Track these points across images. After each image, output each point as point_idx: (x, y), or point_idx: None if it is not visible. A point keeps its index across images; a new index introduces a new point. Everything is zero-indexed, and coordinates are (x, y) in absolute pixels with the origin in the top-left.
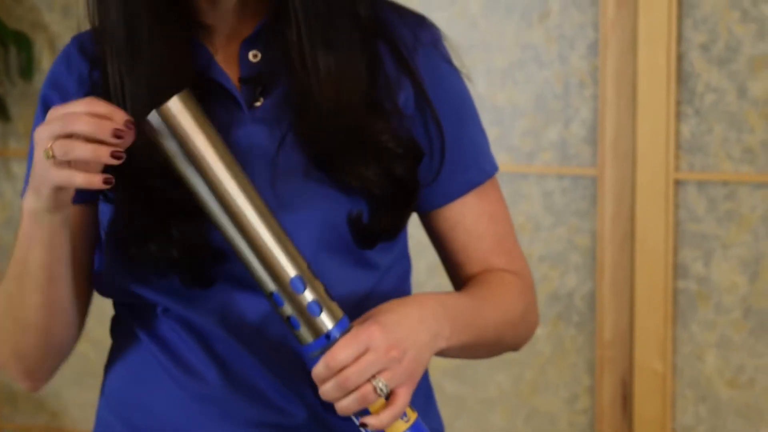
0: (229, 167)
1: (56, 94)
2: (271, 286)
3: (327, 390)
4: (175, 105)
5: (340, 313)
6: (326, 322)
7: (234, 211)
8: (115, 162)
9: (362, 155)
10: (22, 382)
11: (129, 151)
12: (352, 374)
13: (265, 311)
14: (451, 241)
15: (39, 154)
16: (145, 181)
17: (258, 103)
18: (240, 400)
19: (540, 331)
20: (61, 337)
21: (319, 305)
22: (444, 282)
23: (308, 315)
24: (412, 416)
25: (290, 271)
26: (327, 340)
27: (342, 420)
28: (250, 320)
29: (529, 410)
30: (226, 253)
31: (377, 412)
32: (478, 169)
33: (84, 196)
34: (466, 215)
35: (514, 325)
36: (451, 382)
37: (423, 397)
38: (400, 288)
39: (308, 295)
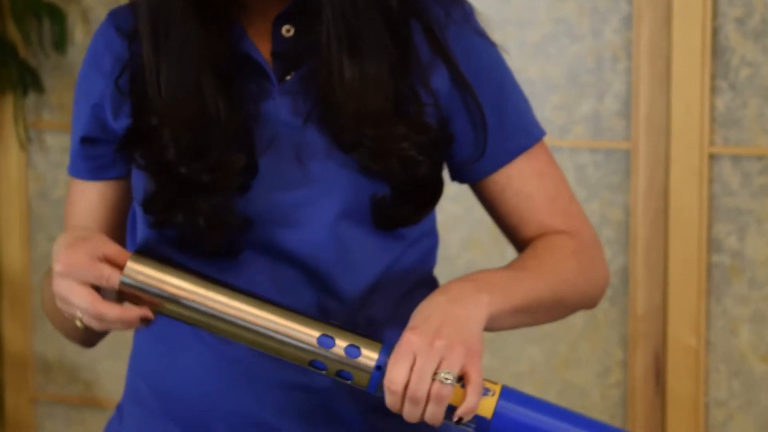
0: (210, 288)
1: (94, 72)
2: (306, 357)
3: (409, 413)
4: (133, 264)
5: (376, 342)
6: (370, 355)
7: (236, 321)
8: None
9: (384, 152)
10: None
11: (152, 129)
12: (415, 384)
13: (293, 280)
14: (502, 205)
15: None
16: (170, 155)
17: (288, 77)
18: (267, 362)
19: None
20: None
21: (355, 347)
22: (476, 256)
23: (352, 361)
24: (496, 388)
25: (313, 334)
26: (380, 371)
27: (356, 405)
28: (278, 287)
29: (562, 384)
30: (253, 222)
31: (461, 401)
32: (524, 134)
33: (118, 171)
34: (515, 178)
35: (572, 284)
36: (483, 355)
37: None
38: (426, 261)
39: (341, 344)
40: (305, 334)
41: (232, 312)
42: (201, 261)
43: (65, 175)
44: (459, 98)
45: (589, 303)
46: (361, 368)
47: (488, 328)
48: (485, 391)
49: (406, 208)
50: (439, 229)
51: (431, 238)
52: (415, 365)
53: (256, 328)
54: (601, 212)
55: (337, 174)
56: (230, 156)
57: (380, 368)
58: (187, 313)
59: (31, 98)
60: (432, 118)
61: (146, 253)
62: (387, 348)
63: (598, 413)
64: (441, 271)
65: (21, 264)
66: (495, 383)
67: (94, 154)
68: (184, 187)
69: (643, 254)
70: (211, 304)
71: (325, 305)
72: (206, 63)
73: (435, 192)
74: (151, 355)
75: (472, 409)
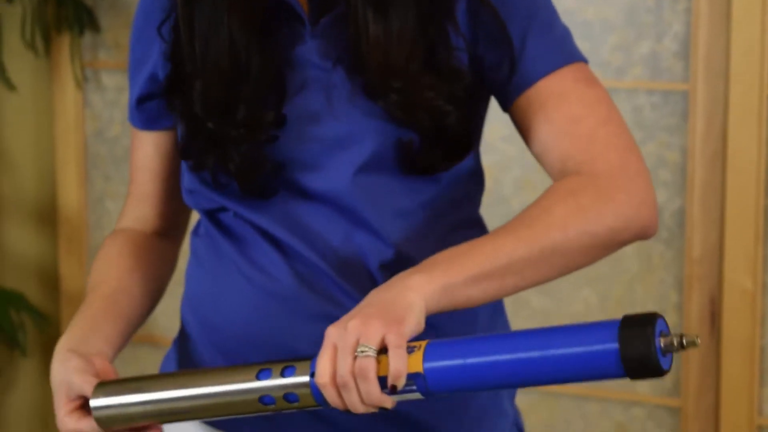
0: (165, 389)
1: (146, 24)
2: (254, 397)
3: (348, 402)
4: (97, 400)
5: (310, 357)
6: (304, 368)
7: (192, 405)
8: None
9: (410, 103)
10: None
11: (185, 80)
12: (340, 369)
13: (326, 218)
14: (526, 131)
15: None
16: (198, 110)
17: (321, 20)
18: (309, 297)
19: (628, 248)
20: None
21: (290, 366)
22: (530, 197)
23: (291, 381)
24: (422, 343)
25: (252, 373)
26: (314, 377)
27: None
28: (314, 227)
29: None
30: (283, 166)
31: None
32: (555, 53)
33: (170, 121)
34: (534, 100)
35: (563, 228)
36: (537, 296)
37: (488, 314)
38: (465, 202)
39: (276, 369)
40: (246, 376)
41: (184, 403)
42: (236, 201)
43: (121, 114)
44: (482, 19)
45: (612, 241)
46: (301, 384)
47: (457, 305)
48: (410, 350)
49: (434, 155)
50: (493, 169)
51: (472, 180)
52: (337, 353)
53: (207, 400)
54: (658, 154)
55: (364, 119)
56: (259, 112)
57: (313, 374)
58: (157, 417)
59: (88, 37)
60: (463, 62)
61: (100, 389)
62: (315, 357)
63: None
64: (495, 212)
65: (77, 203)
66: (420, 342)
67: (148, 107)
68: (213, 138)
69: (700, 196)
70: (170, 405)
71: (359, 241)
72: (238, 9)
73: (465, 141)
74: (199, 291)
75: (398, 371)
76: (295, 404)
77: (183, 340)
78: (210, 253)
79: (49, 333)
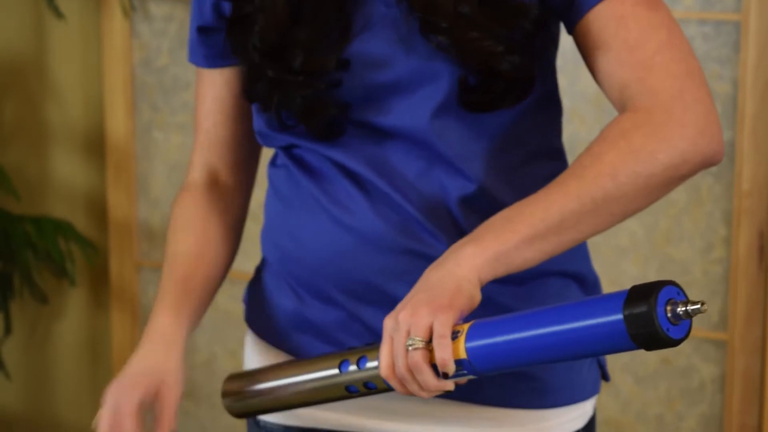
0: (294, 381)
1: None
2: (341, 386)
3: (412, 391)
4: (228, 385)
5: (374, 346)
6: (373, 358)
7: (302, 389)
8: None
9: (456, 42)
10: None
11: (244, 22)
12: (397, 362)
13: (404, 152)
14: (587, 58)
15: None
16: (256, 57)
17: None
18: (388, 231)
19: None
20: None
21: (363, 357)
22: (579, 129)
23: (365, 371)
24: (464, 327)
25: (334, 364)
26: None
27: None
28: (391, 163)
29: (662, 259)
30: (351, 107)
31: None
32: None
33: (234, 60)
34: (593, 24)
35: (612, 175)
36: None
37: (559, 285)
38: (541, 131)
39: (353, 360)
40: (331, 367)
41: (292, 394)
42: (307, 140)
43: (168, 43)
44: None
45: (672, 178)
46: (374, 373)
47: (515, 269)
48: (455, 336)
49: (492, 96)
50: None
51: (546, 109)
52: (392, 346)
53: (307, 388)
54: (709, 85)
55: (427, 57)
56: (316, 58)
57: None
58: (274, 403)
59: None
60: None
61: (229, 381)
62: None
63: (700, 289)
64: None
65: (125, 132)
66: (464, 324)
67: (215, 40)
68: (274, 82)
69: (751, 129)
70: (282, 393)
71: (438, 176)
72: None
73: (524, 83)
74: (278, 223)
75: (444, 360)
76: (374, 391)
77: (264, 269)
78: (288, 185)
79: (97, 262)
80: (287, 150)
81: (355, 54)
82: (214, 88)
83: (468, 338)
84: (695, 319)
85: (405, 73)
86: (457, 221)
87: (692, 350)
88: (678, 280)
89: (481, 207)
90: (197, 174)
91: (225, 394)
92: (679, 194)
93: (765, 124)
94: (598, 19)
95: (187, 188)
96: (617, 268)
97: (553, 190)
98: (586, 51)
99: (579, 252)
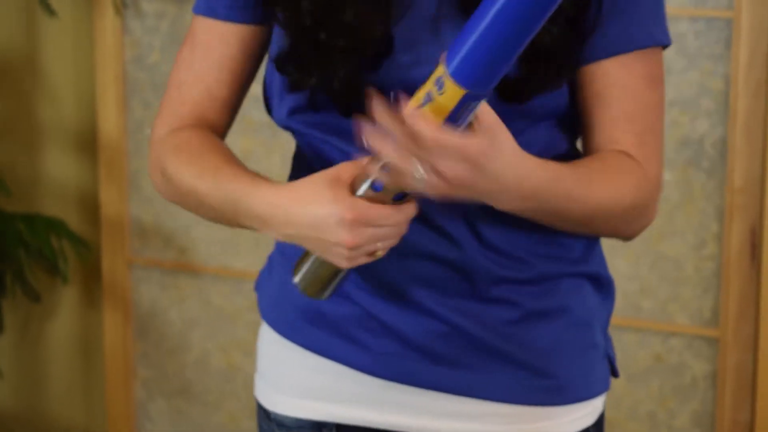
0: None
1: None
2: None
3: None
4: (296, 277)
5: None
6: None
7: None
8: None
9: None
10: None
11: None
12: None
13: None
14: (583, 100)
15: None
16: (306, 17)
17: None
18: (409, 231)
19: (669, 177)
20: None
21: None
22: None
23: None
24: (438, 68)
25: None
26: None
27: (492, 272)
28: None
29: (655, 255)
30: (386, 91)
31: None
32: (643, 31)
33: (261, 16)
34: (599, 77)
35: (616, 216)
36: None
37: (583, 246)
38: (554, 141)
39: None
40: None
41: None
42: (328, 129)
43: (160, 40)
44: None
45: (617, 236)
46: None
47: (519, 213)
48: (438, 85)
49: (530, 79)
50: None
51: (563, 118)
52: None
53: None
54: (700, 82)
55: None
56: (368, 22)
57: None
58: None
59: None
60: None
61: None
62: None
63: (692, 286)
64: None
65: (117, 129)
66: (435, 71)
67: None
68: (320, 49)
69: (743, 126)
70: None
71: None
72: None
73: (563, 63)
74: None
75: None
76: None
77: (278, 259)
78: (306, 171)
79: (90, 260)
80: (309, 144)
81: (396, 36)
82: (227, 45)
83: (447, 59)
84: (687, 316)
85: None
86: (476, 227)
87: (684, 347)
88: (670, 277)
89: (501, 212)
90: (188, 123)
91: (299, 282)
92: (671, 191)
93: (757, 121)
94: (606, 75)
95: (181, 129)
96: (609, 264)
97: (593, 185)
98: (586, 94)
99: (595, 254)
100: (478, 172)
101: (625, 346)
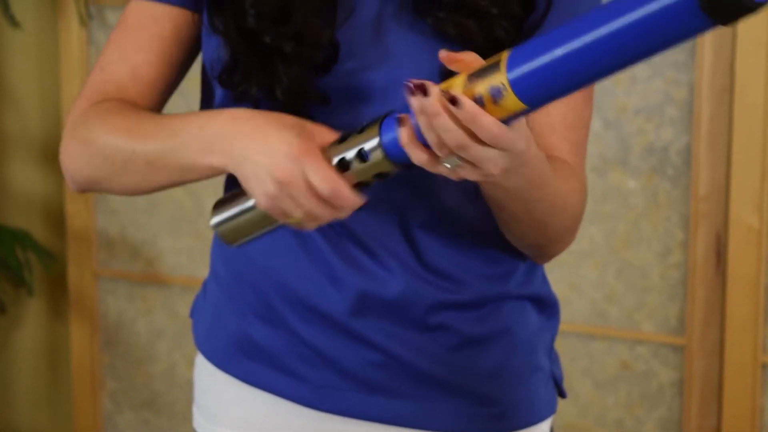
0: None
1: None
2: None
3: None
4: (215, 219)
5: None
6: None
7: None
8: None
9: (464, 8)
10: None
11: None
12: (435, 119)
13: None
14: None
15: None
16: (252, 22)
17: None
18: (336, 263)
19: (634, 185)
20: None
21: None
22: None
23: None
24: (500, 57)
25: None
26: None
27: (431, 297)
28: None
29: (621, 263)
30: (329, 99)
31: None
32: None
33: (193, 4)
34: None
35: (568, 215)
36: None
37: (524, 271)
38: None
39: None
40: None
41: None
42: None
43: None
44: None
45: (553, 245)
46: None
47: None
48: (491, 69)
49: None
50: None
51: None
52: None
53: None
54: (665, 90)
55: (415, 47)
56: (314, 27)
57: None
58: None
59: None
60: None
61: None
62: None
63: (658, 293)
64: None
65: None
66: (499, 55)
67: None
68: (264, 56)
69: (707, 134)
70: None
71: (392, 194)
72: None
73: None
74: None
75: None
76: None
77: (212, 285)
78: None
79: (55, 271)
80: None
81: (342, 41)
82: (158, 26)
83: (510, 67)
84: (653, 324)
85: (379, 72)
86: (416, 245)
87: (651, 355)
88: (636, 285)
89: (441, 230)
90: (109, 98)
91: (216, 225)
92: (637, 199)
93: (721, 129)
94: None
95: (99, 102)
96: (576, 272)
97: (557, 177)
98: None
99: (536, 275)
100: (519, 164)
101: (593, 354)
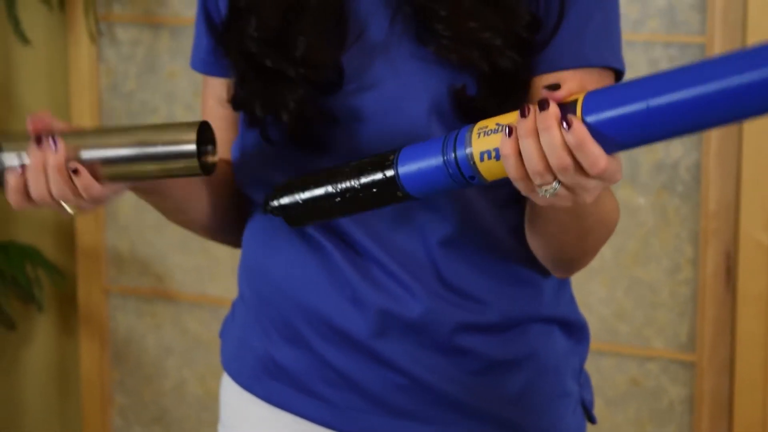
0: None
1: None
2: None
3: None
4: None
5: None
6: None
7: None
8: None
9: (466, 39)
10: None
11: (240, 16)
12: (548, 135)
13: None
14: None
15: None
16: (253, 46)
17: None
18: (357, 283)
19: (643, 201)
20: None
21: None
22: None
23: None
24: (577, 97)
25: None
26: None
27: (454, 318)
28: None
29: (630, 280)
30: (337, 119)
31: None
32: (594, 50)
33: (225, 71)
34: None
35: (605, 231)
36: None
37: (554, 288)
38: None
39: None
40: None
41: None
42: (285, 169)
43: (136, 68)
44: None
45: (582, 257)
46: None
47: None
48: (569, 109)
49: (490, 101)
50: None
51: None
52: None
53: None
54: None
55: (423, 64)
56: (319, 51)
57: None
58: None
59: None
60: (527, 2)
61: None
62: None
63: (668, 310)
64: None
65: None
66: (576, 95)
67: (211, 48)
68: (268, 80)
69: (716, 151)
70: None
71: (411, 213)
72: None
73: (518, 84)
74: (250, 257)
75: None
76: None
77: (239, 305)
78: (261, 219)
79: (65, 288)
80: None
81: (348, 63)
82: (216, 95)
83: (585, 110)
84: (663, 340)
85: (388, 94)
86: (437, 266)
87: (660, 371)
88: (645, 301)
89: (463, 250)
90: None
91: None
92: (646, 216)
93: (730, 146)
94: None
95: None
96: (585, 289)
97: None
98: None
99: (562, 296)
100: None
101: (603, 371)
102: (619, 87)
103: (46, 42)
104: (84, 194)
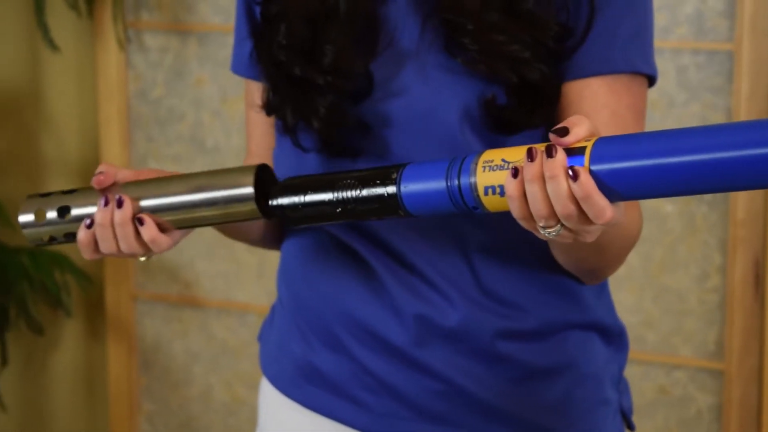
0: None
1: None
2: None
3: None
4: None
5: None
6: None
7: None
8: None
9: (485, 47)
10: None
11: (271, 24)
12: (555, 185)
13: None
14: (561, 120)
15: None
16: (282, 54)
17: None
18: (395, 292)
19: (671, 209)
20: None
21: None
22: None
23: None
24: (586, 145)
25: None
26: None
27: (493, 325)
28: None
29: (658, 288)
30: (369, 126)
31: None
32: (623, 56)
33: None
34: (586, 98)
35: (627, 243)
36: None
37: (595, 293)
38: None
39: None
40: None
41: None
42: (324, 164)
43: (164, 74)
44: None
45: (603, 270)
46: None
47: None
48: (577, 157)
49: (519, 111)
50: None
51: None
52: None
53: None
54: (702, 115)
55: (453, 73)
56: (347, 58)
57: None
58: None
59: None
60: (548, 9)
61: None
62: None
63: (695, 318)
64: None
65: (120, 163)
66: (587, 141)
67: (247, 51)
68: (298, 87)
69: None
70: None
71: (450, 219)
72: None
73: (547, 95)
74: (292, 266)
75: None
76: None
77: (279, 309)
78: (305, 231)
79: (93, 293)
80: None
81: (378, 70)
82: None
83: (593, 159)
84: (691, 348)
85: (418, 103)
86: (476, 272)
87: (689, 380)
88: (674, 309)
89: (501, 257)
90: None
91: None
92: (674, 223)
93: None
94: (593, 97)
95: None
96: (613, 297)
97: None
98: (566, 112)
99: (602, 303)
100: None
101: (630, 379)
102: (631, 138)
103: (75, 49)
104: (150, 246)
